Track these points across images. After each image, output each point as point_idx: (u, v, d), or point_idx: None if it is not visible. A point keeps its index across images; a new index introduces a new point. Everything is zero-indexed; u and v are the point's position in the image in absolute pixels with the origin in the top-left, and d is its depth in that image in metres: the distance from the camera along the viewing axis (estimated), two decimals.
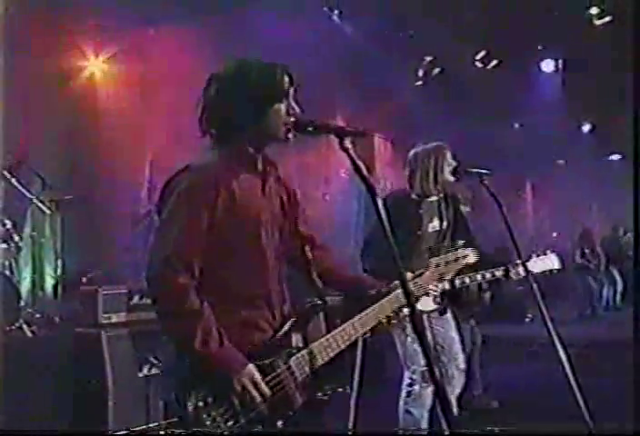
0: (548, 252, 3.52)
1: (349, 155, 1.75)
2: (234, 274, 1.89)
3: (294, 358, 1.91)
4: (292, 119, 1.93)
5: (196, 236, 1.84)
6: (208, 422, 1.77)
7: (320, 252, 2.15)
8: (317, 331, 1.98)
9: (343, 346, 1.97)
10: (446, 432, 1.85)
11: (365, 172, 1.73)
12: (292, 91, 1.97)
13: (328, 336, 1.97)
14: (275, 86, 1.93)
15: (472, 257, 2.63)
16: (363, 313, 2.04)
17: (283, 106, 1.93)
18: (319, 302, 1.99)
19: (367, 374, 3.59)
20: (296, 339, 1.94)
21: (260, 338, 1.90)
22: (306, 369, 1.91)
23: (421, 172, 3.43)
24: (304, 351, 1.92)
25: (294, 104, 1.96)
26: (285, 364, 1.89)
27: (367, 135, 1.87)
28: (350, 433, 3.44)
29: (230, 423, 1.79)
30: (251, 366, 1.81)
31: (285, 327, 1.94)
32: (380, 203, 1.70)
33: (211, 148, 1.98)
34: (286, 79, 1.95)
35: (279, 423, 1.85)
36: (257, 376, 1.81)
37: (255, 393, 1.79)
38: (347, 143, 1.76)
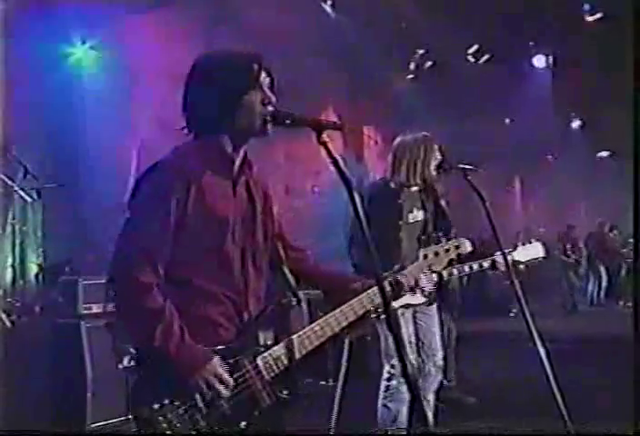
0: (533, 240, 3.52)
1: (327, 149, 1.72)
2: (199, 273, 1.85)
3: (260, 356, 1.87)
4: (269, 108, 1.88)
5: (163, 234, 1.80)
6: (164, 425, 1.73)
7: (294, 252, 2.13)
8: (299, 327, 1.94)
9: (316, 343, 1.94)
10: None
11: (342, 166, 1.70)
12: (266, 80, 1.91)
13: (300, 333, 1.93)
14: (245, 75, 1.87)
15: (466, 246, 2.52)
16: (337, 310, 2.00)
17: (256, 97, 1.87)
18: (292, 299, 1.95)
19: (356, 368, 3.57)
20: (265, 337, 1.90)
21: (225, 337, 1.86)
22: (275, 368, 1.88)
23: (407, 161, 3.38)
24: (272, 350, 1.89)
25: (269, 93, 1.90)
26: (252, 363, 1.85)
27: (345, 129, 1.82)
28: (332, 433, 3.42)
29: (189, 425, 1.75)
30: (215, 360, 1.78)
31: (252, 325, 1.90)
32: (357, 198, 1.68)
33: (191, 141, 1.95)
34: (256, 67, 1.88)
35: (242, 424, 1.81)
36: (220, 370, 1.77)
37: (219, 387, 1.76)
38: (325, 136, 1.73)
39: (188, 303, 1.83)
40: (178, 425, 1.74)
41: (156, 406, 1.73)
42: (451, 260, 2.48)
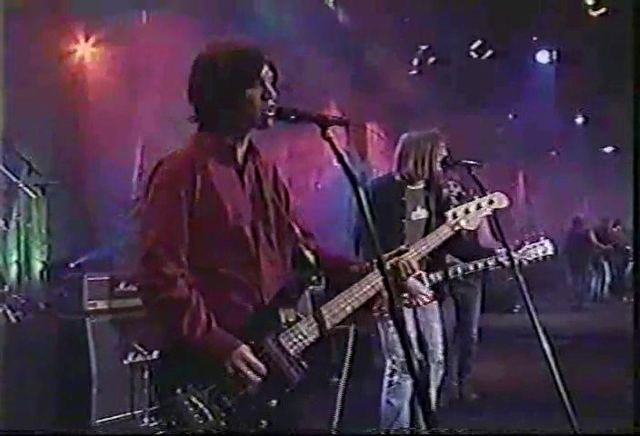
0: (542, 238, 3.51)
1: (332, 145, 1.73)
2: (219, 259, 1.90)
3: (282, 334, 1.90)
4: (270, 103, 1.91)
5: (178, 224, 1.86)
6: (190, 409, 1.77)
7: (305, 236, 2.14)
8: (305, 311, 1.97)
9: (335, 321, 1.96)
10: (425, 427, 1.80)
11: (347, 162, 1.71)
12: (269, 74, 1.94)
13: (322, 308, 1.95)
14: (247, 71, 1.91)
15: (502, 201, 2.25)
16: (363, 280, 2.00)
17: (257, 92, 1.91)
18: (314, 277, 1.99)
19: (358, 365, 3.55)
20: (286, 315, 1.93)
21: (247, 319, 1.90)
22: (300, 343, 1.91)
23: (415, 156, 3.38)
24: (295, 326, 1.92)
25: (270, 88, 1.93)
26: (274, 341, 1.89)
27: (350, 125, 1.84)
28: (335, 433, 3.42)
29: (216, 406, 1.79)
30: (243, 346, 1.82)
31: (272, 305, 1.93)
32: (362, 193, 1.68)
33: (196, 132, 2.00)
34: (258, 62, 1.92)
35: (273, 402, 1.84)
36: (248, 354, 1.81)
37: (248, 372, 1.80)
38: (330, 132, 1.74)
39: (212, 290, 1.88)
40: (204, 408, 1.78)
41: (180, 390, 1.77)
42: (487, 217, 2.25)
